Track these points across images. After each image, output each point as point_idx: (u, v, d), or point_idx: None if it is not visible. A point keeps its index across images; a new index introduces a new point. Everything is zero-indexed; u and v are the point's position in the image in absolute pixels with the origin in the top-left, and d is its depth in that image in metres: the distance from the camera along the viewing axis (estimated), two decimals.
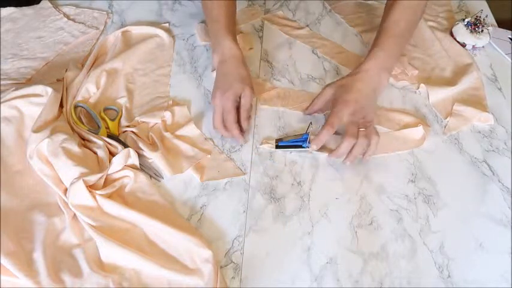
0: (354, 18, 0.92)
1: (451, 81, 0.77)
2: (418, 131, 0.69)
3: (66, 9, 0.93)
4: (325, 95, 0.68)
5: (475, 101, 0.74)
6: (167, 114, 0.71)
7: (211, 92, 0.70)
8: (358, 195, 0.62)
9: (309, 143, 0.66)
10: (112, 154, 0.64)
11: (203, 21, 0.89)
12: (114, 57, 0.79)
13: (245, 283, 0.54)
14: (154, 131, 0.69)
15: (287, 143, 0.68)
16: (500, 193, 0.63)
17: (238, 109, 0.68)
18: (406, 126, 0.70)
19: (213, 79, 0.73)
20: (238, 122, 0.67)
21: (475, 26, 0.83)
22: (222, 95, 0.67)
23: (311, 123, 0.67)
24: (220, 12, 0.75)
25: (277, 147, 0.68)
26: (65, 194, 0.59)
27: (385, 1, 0.77)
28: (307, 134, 0.67)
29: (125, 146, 0.66)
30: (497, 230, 0.59)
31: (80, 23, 0.89)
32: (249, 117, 0.68)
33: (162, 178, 0.64)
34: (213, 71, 0.77)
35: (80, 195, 0.57)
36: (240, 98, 0.68)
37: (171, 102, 0.74)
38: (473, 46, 0.83)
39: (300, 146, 0.67)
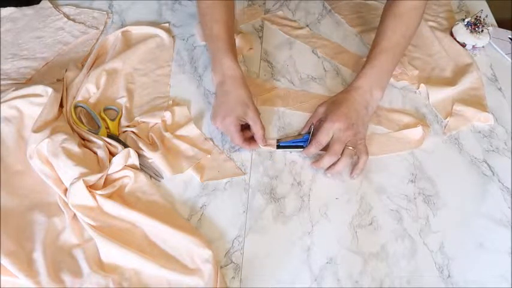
0: (354, 18, 0.92)
1: (451, 81, 0.77)
2: (417, 132, 0.69)
3: (66, 9, 0.93)
4: (317, 113, 0.68)
5: (475, 101, 0.74)
6: (167, 114, 0.71)
7: (212, 111, 0.69)
8: (358, 195, 0.62)
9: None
10: (112, 154, 0.64)
11: None
12: (114, 57, 0.79)
13: (245, 283, 0.54)
14: (154, 131, 0.69)
15: (288, 143, 0.68)
16: (500, 193, 0.63)
17: (242, 127, 0.67)
18: (406, 126, 0.70)
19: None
20: (250, 137, 0.67)
21: (475, 26, 0.83)
22: (224, 120, 0.65)
23: (313, 123, 0.67)
24: (220, 28, 0.72)
25: (278, 147, 0.68)
26: (65, 194, 0.59)
27: (385, 1, 0.77)
28: (308, 134, 0.67)
29: (125, 146, 0.66)
30: (497, 230, 0.59)
31: (80, 23, 0.89)
32: (264, 135, 0.66)
33: (162, 178, 0.64)
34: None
35: (80, 195, 0.57)
36: (243, 119, 0.66)
37: (171, 102, 0.74)
38: (473, 46, 0.83)
39: (301, 147, 0.67)
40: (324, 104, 0.69)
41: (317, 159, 0.64)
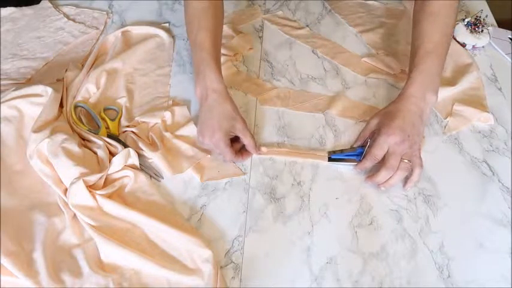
0: (354, 18, 0.92)
1: (451, 81, 0.77)
2: None
3: (66, 9, 0.93)
4: (370, 126, 0.66)
5: (475, 101, 0.74)
6: (167, 114, 0.71)
7: (198, 127, 0.66)
8: (358, 195, 0.62)
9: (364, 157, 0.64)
10: (112, 154, 0.64)
11: None
12: (114, 57, 0.79)
13: (245, 283, 0.54)
14: (155, 131, 0.69)
15: (340, 156, 0.66)
16: (500, 193, 0.63)
17: (232, 140, 0.65)
18: None
19: None
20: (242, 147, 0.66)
21: (475, 26, 0.83)
22: (212, 137, 0.63)
23: (368, 137, 0.66)
24: (205, 37, 0.68)
25: (330, 159, 0.66)
26: (65, 194, 0.59)
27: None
28: (362, 148, 0.65)
29: (125, 146, 0.66)
30: (497, 230, 0.59)
31: (80, 23, 0.89)
32: (255, 144, 0.65)
33: (162, 178, 0.64)
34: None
35: (80, 195, 0.57)
36: (231, 133, 0.64)
37: (171, 102, 0.74)
38: (473, 46, 0.83)
39: (354, 160, 0.65)
40: (377, 116, 0.66)
41: (372, 174, 0.63)
